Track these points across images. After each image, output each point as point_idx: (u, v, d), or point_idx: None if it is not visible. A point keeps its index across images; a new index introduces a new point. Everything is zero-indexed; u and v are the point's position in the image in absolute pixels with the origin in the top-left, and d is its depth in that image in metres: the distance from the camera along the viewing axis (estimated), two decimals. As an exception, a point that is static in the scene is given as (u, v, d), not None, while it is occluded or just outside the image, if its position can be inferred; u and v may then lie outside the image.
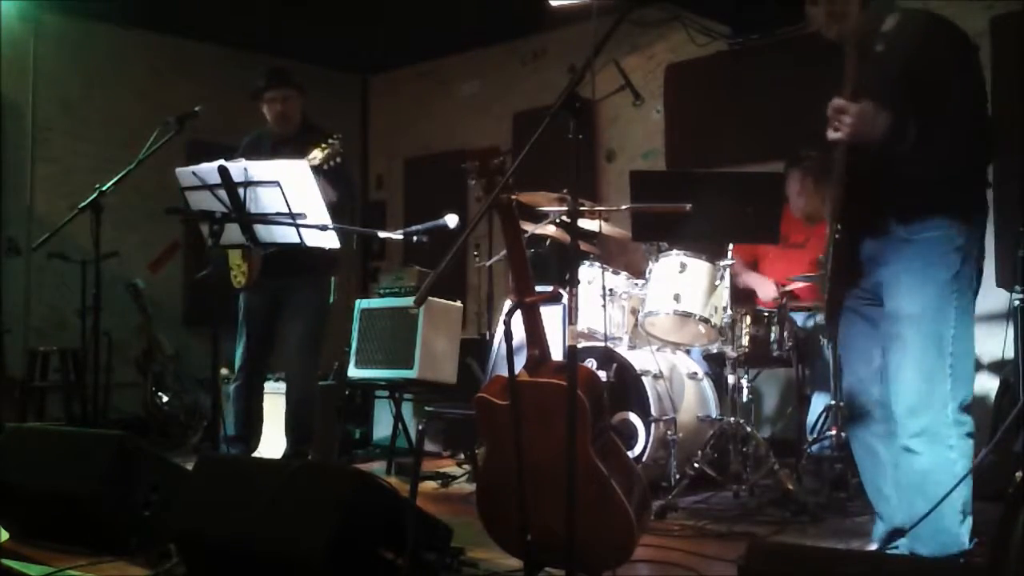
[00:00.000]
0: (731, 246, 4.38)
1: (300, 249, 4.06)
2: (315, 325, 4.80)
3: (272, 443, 4.89)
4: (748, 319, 4.41)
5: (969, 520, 2.79)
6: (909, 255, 2.81)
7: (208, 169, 3.87)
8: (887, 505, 3.01)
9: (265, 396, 4.90)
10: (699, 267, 4.39)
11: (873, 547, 3.06)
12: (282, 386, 4.90)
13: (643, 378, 4.41)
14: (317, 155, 4.34)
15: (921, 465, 2.78)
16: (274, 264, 4.48)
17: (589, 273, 4.62)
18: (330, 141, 4.40)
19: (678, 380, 4.67)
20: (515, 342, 2.63)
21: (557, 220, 4.36)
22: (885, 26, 2.80)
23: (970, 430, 2.79)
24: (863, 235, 2.90)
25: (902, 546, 2.86)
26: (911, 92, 2.72)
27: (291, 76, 4.84)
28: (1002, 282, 5.07)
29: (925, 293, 2.79)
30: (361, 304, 5.31)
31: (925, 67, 2.73)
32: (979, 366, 5.32)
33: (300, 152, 4.33)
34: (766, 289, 4.96)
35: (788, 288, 4.81)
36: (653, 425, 4.35)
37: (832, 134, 2.73)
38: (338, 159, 4.39)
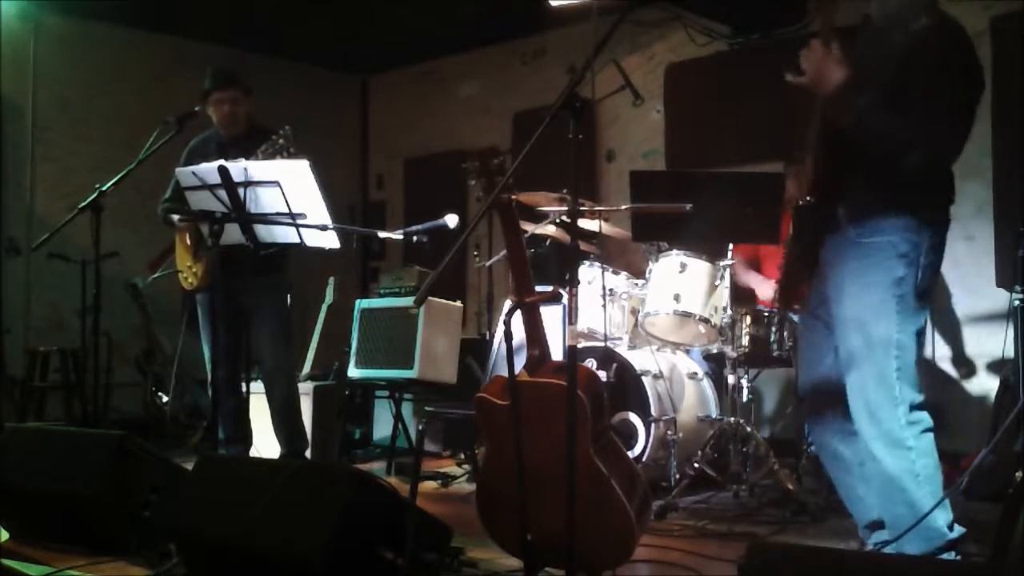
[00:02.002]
0: (731, 245, 4.38)
1: (250, 249, 4.04)
2: (282, 326, 4.75)
3: (270, 444, 4.89)
4: (748, 319, 4.41)
5: (946, 509, 2.79)
6: (854, 259, 2.85)
7: (208, 169, 3.87)
8: (860, 504, 3.04)
9: (252, 396, 4.88)
10: (699, 267, 4.39)
11: (869, 547, 3.07)
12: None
13: (643, 378, 4.41)
14: (268, 151, 4.30)
15: (885, 470, 2.80)
16: (228, 265, 4.43)
17: (589, 273, 4.62)
18: (280, 132, 4.35)
19: (678, 380, 4.67)
20: (515, 342, 2.63)
21: (557, 220, 4.36)
22: (916, 24, 2.79)
23: (927, 426, 2.81)
24: (824, 230, 2.93)
25: (889, 549, 2.87)
26: (902, 93, 2.72)
27: (237, 77, 4.78)
28: (1002, 282, 5.08)
29: (867, 298, 2.82)
30: (361, 304, 5.31)
31: (929, 82, 2.72)
32: (979, 366, 5.33)
33: (247, 153, 4.30)
34: (764, 289, 4.96)
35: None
36: (653, 425, 4.35)
37: (790, 77, 2.78)
38: (290, 150, 4.32)
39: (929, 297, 2.89)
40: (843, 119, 2.74)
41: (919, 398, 2.82)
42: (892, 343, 2.79)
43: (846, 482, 3.07)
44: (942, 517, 2.77)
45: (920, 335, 2.88)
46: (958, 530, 2.79)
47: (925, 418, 2.82)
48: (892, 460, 2.78)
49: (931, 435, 2.81)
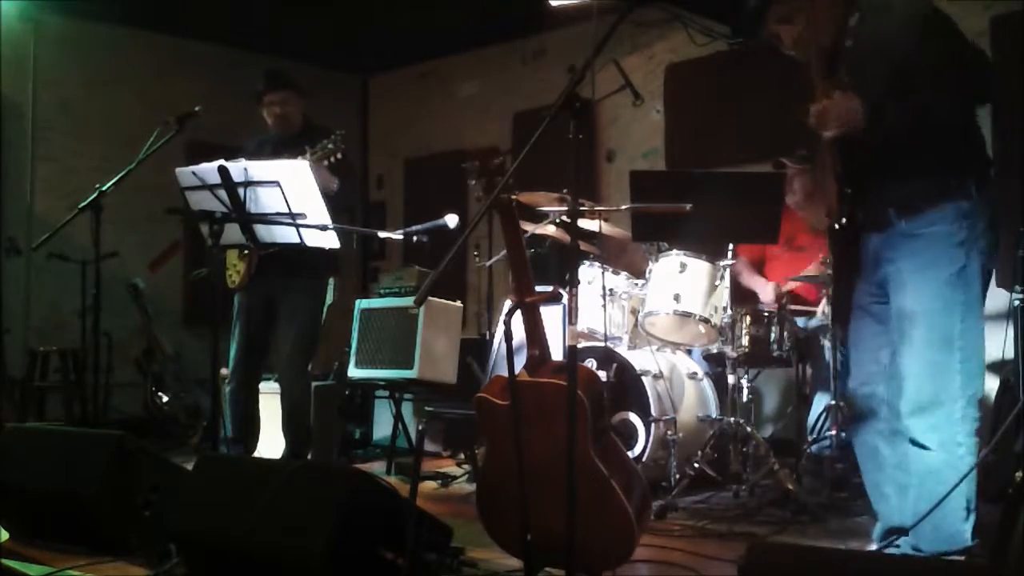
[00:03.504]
0: (732, 246, 4.38)
1: (297, 250, 4.06)
2: (309, 328, 4.78)
3: (271, 443, 4.89)
4: (748, 319, 4.41)
5: (973, 517, 2.77)
6: (911, 251, 2.80)
7: (208, 169, 3.87)
8: (886, 504, 3.00)
9: (262, 396, 4.89)
10: (699, 267, 4.39)
11: (873, 547, 3.06)
12: (277, 386, 4.89)
13: (643, 378, 4.41)
14: (318, 152, 4.35)
15: (931, 461, 2.75)
16: (269, 265, 4.47)
17: (589, 273, 4.62)
18: (332, 137, 4.40)
19: (678, 380, 4.67)
20: (515, 342, 2.63)
21: (557, 220, 4.36)
22: (853, 19, 2.82)
23: (978, 425, 2.78)
24: (867, 230, 2.90)
25: (904, 544, 2.85)
26: (888, 72, 2.71)
27: (289, 78, 4.83)
28: (1002, 282, 5.07)
29: (929, 290, 2.77)
30: (361, 304, 5.31)
31: (898, 46, 2.71)
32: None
33: (301, 153, 4.33)
34: (766, 292, 4.96)
35: (787, 289, 4.81)
36: (653, 425, 4.35)
37: (826, 135, 2.78)
38: (339, 155, 4.38)
39: (989, 279, 2.85)
40: (882, 136, 2.74)
41: (981, 392, 2.79)
42: (957, 335, 2.75)
43: (877, 480, 3.02)
44: (969, 523, 2.75)
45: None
46: (975, 540, 2.76)
47: (978, 416, 2.78)
48: (941, 453, 2.74)
49: (977, 437, 2.77)
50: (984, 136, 2.88)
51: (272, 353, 4.84)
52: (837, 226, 2.87)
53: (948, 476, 2.71)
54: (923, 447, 2.77)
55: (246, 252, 4.59)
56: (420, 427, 3.99)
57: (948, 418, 2.75)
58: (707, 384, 4.83)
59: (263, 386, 4.93)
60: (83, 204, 4.13)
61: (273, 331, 4.75)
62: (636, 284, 4.72)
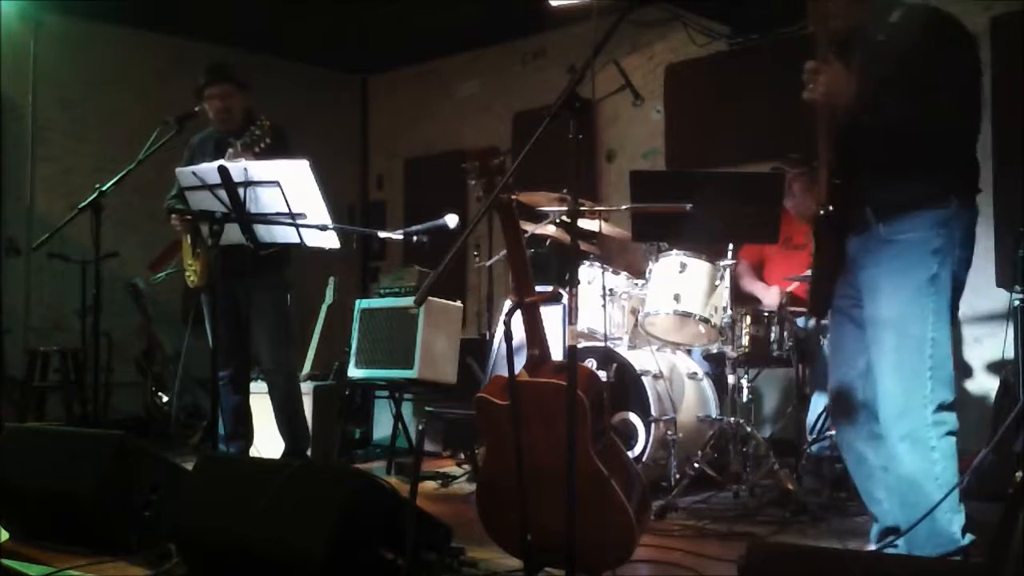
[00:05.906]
0: (731, 248, 4.38)
1: (247, 249, 4.03)
2: (281, 324, 4.74)
3: (271, 443, 4.89)
4: (748, 319, 4.41)
5: (961, 515, 2.79)
6: (886, 258, 2.82)
7: (208, 169, 3.87)
8: (879, 507, 3.02)
9: (253, 397, 4.88)
10: (699, 267, 4.39)
11: (871, 547, 3.06)
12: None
13: (643, 378, 4.41)
14: (245, 141, 4.28)
15: (905, 470, 2.77)
16: (226, 263, 4.41)
17: (589, 273, 4.62)
18: (258, 123, 4.33)
19: (678, 380, 4.67)
20: (515, 342, 2.63)
21: (557, 220, 4.36)
22: (891, 17, 2.82)
23: (951, 428, 2.79)
24: (848, 231, 2.91)
25: (901, 545, 2.85)
26: (903, 81, 2.71)
27: (230, 72, 4.73)
28: (1002, 282, 5.07)
29: (902, 296, 2.79)
30: (361, 304, 5.31)
31: (921, 60, 2.71)
32: (979, 366, 5.33)
33: (242, 148, 4.29)
34: (770, 297, 4.96)
35: (790, 289, 4.81)
36: (653, 425, 4.35)
37: (807, 94, 2.77)
38: (266, 141, 4.29)
39: (960, 293, 2.85)
40: (873, 119, 2.72)
41: (950, 398, 2.79)
42: (927, 341, 2.76)
43: (867, 485, 3.04)
44: (956, 522, 2.76)
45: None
46: (968, 537, 2.77)
47: (951, 420, 2.78)
48: (914, 460, 2.75)
49: (954, 439, 2.78)
50: (976, 158, 2.88)
51: (253, 349, 4.82)
52: (822, 212, 2.86)
53: (924, 482, 2.73)
54: (897, 458, 2.79)
55: (199, 250, 4.57)
56: (420, 427, 4.00)
57: (920, 424, 2.76)
58: (707, 384, 4.83)
59: (253, 386, 4.93)
60: (83, 204, 4.13)
61: (247, 333, 4.72)
62: (636, 284, 4.72)
